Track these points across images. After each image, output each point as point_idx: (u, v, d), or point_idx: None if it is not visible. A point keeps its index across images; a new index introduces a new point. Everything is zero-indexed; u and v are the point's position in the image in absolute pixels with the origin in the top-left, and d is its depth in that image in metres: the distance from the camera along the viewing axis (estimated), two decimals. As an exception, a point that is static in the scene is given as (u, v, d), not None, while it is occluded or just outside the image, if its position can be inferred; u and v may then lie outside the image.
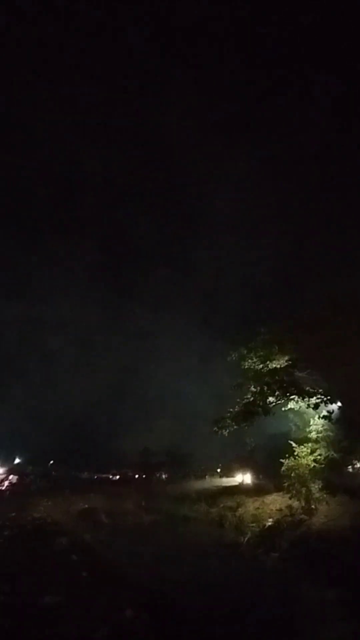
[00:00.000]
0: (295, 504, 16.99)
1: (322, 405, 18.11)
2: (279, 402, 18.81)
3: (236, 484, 27.65)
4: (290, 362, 18.64)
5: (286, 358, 18.94)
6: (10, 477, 39.24)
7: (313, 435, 19.60)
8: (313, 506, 16.32)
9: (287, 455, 18.30)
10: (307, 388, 18.26)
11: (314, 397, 17.91)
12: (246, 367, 20.23)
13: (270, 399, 18.41)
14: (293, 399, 18.49)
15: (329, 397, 17.96)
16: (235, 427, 19.41)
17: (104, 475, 40.94)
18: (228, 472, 32.62)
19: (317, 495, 16.64)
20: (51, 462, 45.23)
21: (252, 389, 19.14)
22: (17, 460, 45.65)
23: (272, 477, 21.78)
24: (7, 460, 43.87)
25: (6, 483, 37.04)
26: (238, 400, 19.69)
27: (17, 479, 38.69)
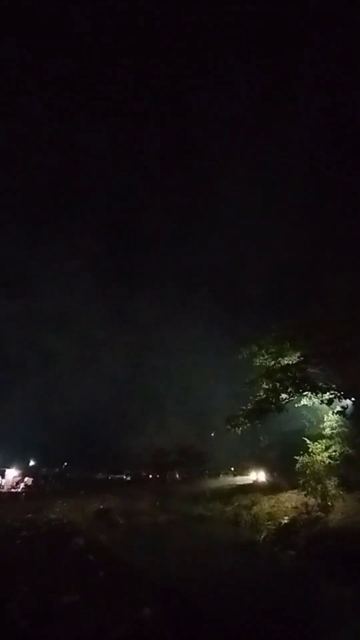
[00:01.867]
0: (311, 501, 16.80)
1: (336, 400, 17.90)
2: (292, 398, 18.63)
3: (250, 482, 27.52)
4: (302, 358, 18.46)
5: (298, 354, 18.77)
6: (26, 479, 39.65)
7: (327, 431, 19.38)
8: (329, 503, 16.12)
9: (301, 452, 18.12)
10: (320, 384, 18.05)
11: (327, 393, 17.71)
12: (258, 364, 20.13)
13: (283, 395, 18.24)
14: (306, 395, 18.31)
15: (342, 392, 17.75)
16: (248, 424, 19.28)
17: (117, 476, 41.13)
18: (242, 471, 32.49)
19: (333, 491, 16.43)
20: (65, 463, 45.57)
21: (265, 386, 18.99)
22: (31, 463, 46.17)
23: (286, 474, 21.59)
24: (22, 463, 44.39)
25: (22, 485, 37.45)
26: (251, 397, 19.57)
27: (32, 481, 39.08)
